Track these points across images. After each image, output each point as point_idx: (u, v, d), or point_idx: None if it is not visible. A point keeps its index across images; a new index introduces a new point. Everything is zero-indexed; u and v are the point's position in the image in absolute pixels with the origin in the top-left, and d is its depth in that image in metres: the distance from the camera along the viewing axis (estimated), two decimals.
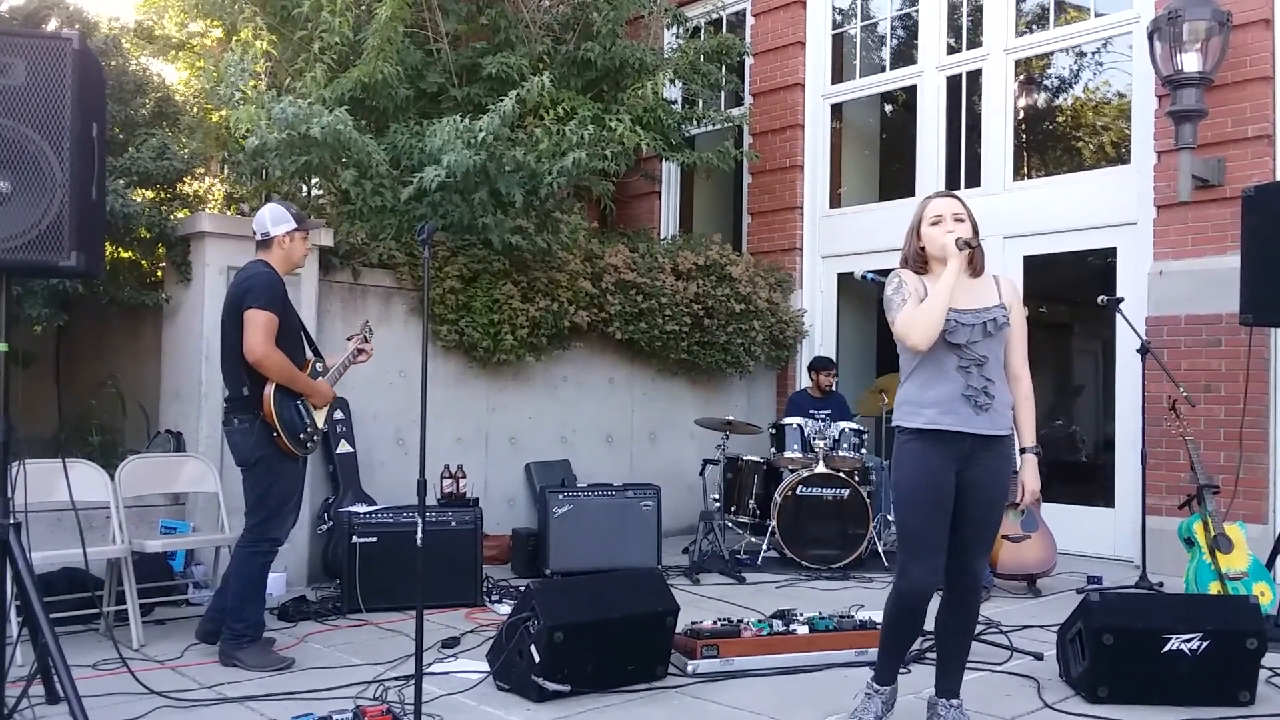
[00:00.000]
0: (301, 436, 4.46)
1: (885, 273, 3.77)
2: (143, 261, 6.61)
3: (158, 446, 5.99)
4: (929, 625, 3.62)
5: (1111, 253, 7.48)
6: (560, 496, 6.36)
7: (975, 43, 8.38)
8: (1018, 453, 3.54)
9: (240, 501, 5.58)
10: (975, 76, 8.36)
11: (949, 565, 3.49)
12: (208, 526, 5.63)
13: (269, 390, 4.35)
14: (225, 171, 8.65)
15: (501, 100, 6.39)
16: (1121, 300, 6.47)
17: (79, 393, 7.07)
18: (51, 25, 7.17)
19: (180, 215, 6.38)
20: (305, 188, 8.09)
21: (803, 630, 4.48)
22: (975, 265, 3.46)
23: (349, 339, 5.04)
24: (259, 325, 4.31)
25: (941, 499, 3.38)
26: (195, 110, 8.06)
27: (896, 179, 9.19)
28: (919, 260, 3.50)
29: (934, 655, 4.55)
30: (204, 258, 5.99)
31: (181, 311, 6.19)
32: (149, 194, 6.71)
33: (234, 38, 7.22)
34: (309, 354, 4.70)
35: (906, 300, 3.38)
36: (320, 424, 4.58)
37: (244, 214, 8.37)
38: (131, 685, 3.90)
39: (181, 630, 4.99)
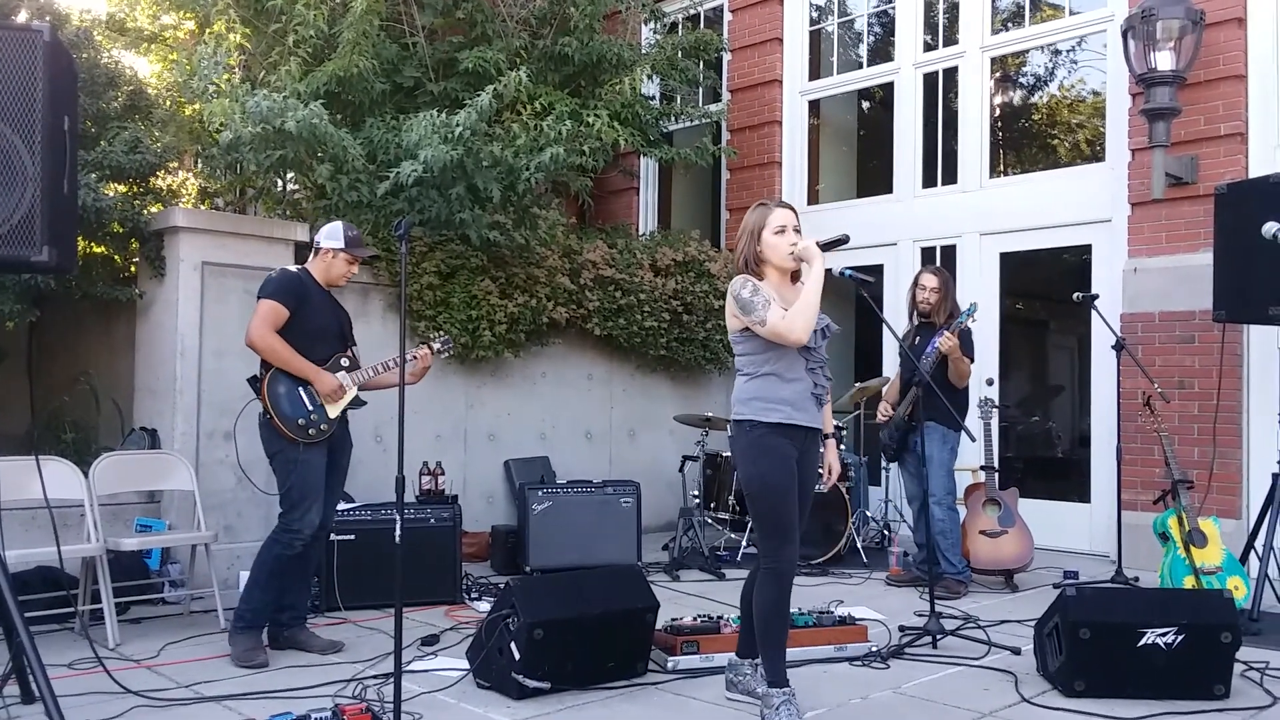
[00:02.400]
0: (301, 422, 4.45)
1: (864, 269, 3.84)
2: (115, 256, 6.54)
3: (132, 444, 5.93)
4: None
5: (1086, 250, 7.54)
6: (539, 493, 6.34)
7: (952, 40, 8.41)
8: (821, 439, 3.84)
9: (217, 499, 5.58)
10: (952, 74, 8.39)
11: None
12: (183, 524, 5.58)
13: (268, 374, 4.50)
14: (199, 166, 8.56)
15: (478, 95, 6.35)
16: (1096, 297, 6.52)
17: (52, 389, 6.99)
18: (21, 17, 7.07)
19: (153, 210, 6.32)
20: (280, 182, 8.02)
21: None
22: (797, 274, 3.72)
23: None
24: (259, 312, 4.50)
25: (795, 486, 3.62)
26: (168, 104, 7.98)
27: (874, 175, 9.21)
28: (756, 263, 3.69)
29: (912, 650, 4.62)
30: (178, 253, 5.94)
31: (155, 307, 6.12)
32: (121, 188, 6.63)
33: (207, 30, 7.15)
34: (349, 353, 4.73)
35: (770, 302, 3.55)
36: (332, 415, 4.55)
37: (218, 208, 8.31)
38: (108, 684, 3.87)
39: (158, 629, 4.95)
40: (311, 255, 4.75)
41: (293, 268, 4.74)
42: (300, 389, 4.50)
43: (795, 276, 3.72)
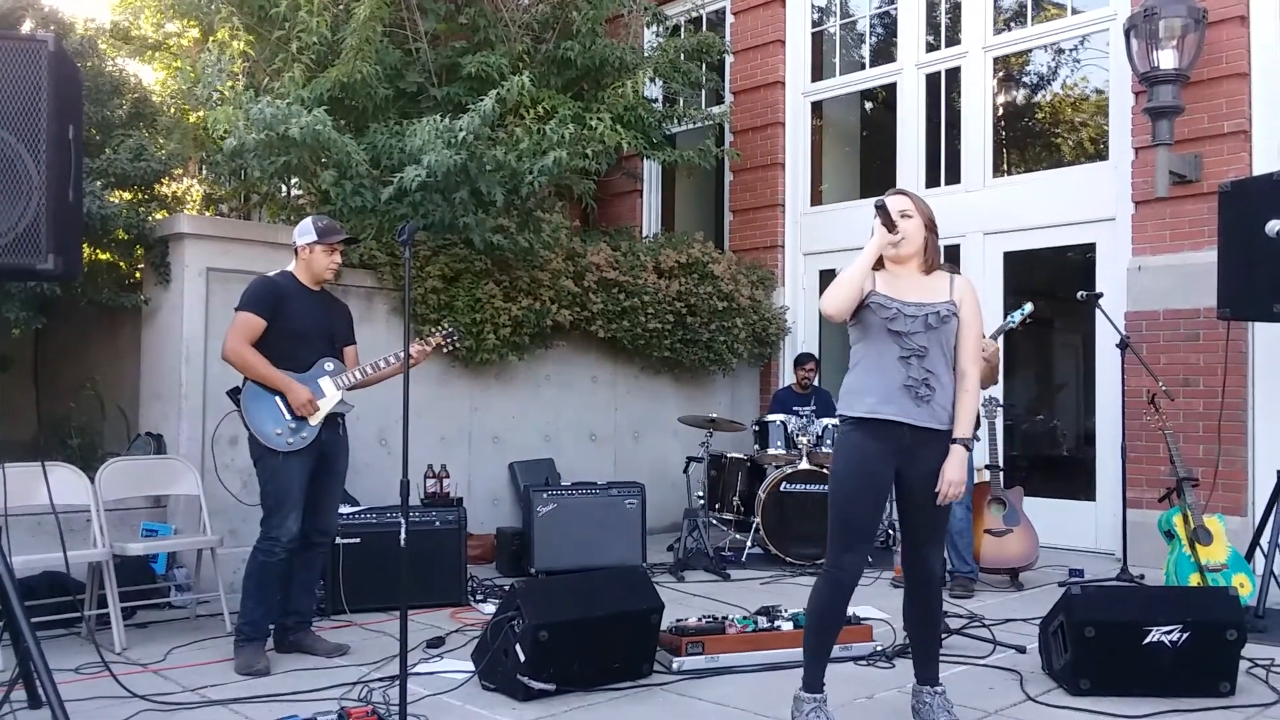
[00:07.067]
0: (278, 433, 4.41)
1: None
2: (121, 263, 6.57)
3: (138, 449, 5.96)
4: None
5: (1091, 248, 7.53)
6: (544, 495, 6.35)
7: (954, 40, 8.42)
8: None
9: (222, 503, 5.59)
10: (954, 74, 8.40)
11: (907, 561, 3.57)
12: (189, 529, 5.60)
13: (245, 385, 4.48)
14: (204, 172, 8.60)
15: (481, 100, 6.37)
16: (1101, 296, 6.51)
17: (58, 396, 7.02)
18: (26, 27, 7.12)
19: (158, 216, 6.34)
20: (285, 188, 8.05)
21: (787, 626, 4.49)
22: (929, 262, 3.54)
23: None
24: (233, 325, 4.49)
25: (879, 490, 3.45)
26: (172, 111, 8.01)
27: (877, 176, 9.20)
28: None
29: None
30: (183, 259, 5.96)
31: (161, 313, 6.15)
32: (126, 195, 6.66)
33: (211, 38, 7.19)
34: (336, 358, 4.66)
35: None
36: (313, 424, 4.48)
37: (223, 215, 8.35)
38: (114, 689, 3.88)
39: (164, 633, 4.97)
40: (293, 257, 4.67)
41: (271, 273, 4.68)
42: (276, 399, 4.45)
43: (929, 266, 3.54)
